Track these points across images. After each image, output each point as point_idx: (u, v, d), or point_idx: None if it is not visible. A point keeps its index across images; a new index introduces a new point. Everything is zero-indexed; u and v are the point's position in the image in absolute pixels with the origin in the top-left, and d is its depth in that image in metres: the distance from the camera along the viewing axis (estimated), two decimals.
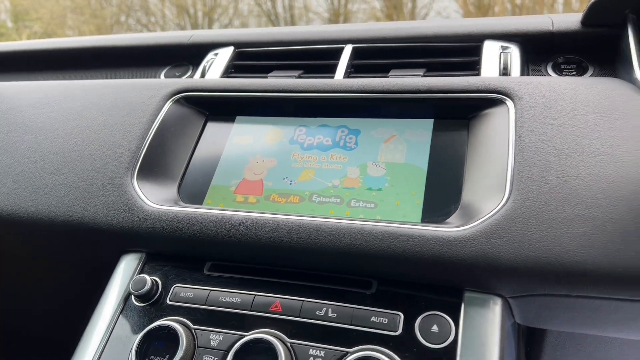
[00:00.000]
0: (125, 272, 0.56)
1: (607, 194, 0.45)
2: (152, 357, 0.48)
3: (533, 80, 0.55)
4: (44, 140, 0.64)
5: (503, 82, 0.55)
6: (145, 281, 0.52)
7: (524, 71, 0.65)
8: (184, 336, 0.48)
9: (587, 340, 0.58)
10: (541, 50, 0.66)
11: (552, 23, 0.65)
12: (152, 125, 0.62)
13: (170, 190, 0.60)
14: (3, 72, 0.91)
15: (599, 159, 0.47)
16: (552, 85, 0.54)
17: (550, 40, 0.65)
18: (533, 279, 0.45)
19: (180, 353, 0.47)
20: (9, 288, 0.74)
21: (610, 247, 0.43)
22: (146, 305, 0.53)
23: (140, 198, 0.57)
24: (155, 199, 0.57)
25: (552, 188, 0.47)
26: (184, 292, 0.53)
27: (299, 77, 0.69)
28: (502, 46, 0.64)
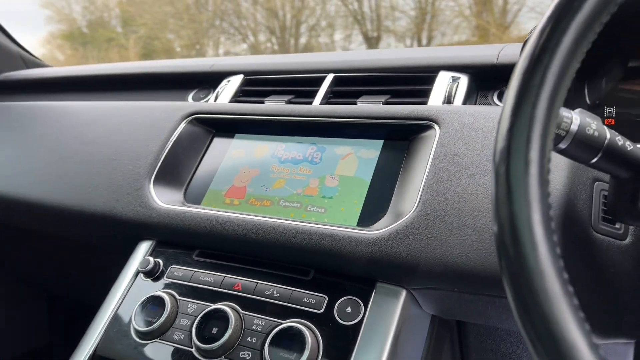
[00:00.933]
0: (139, 255, 0.74)
1: (489, 208, 0.55)
2: (146, 317, 0.65)
3: (460, 109, 0.66)
4: (92, 151, 0.85)
5: (435, 111, 0.66)
6: (149, 262, 0.70)
7: (471, 100, 0.74)
8: (169, 304, 0.65)
9: (504, 332, 0.67)
10: (489, 80, 0.75)
11: (498, 56, 0.74)
12: (168, 141, 0.80)
13: (178, 193, 0.77)
14: (71, 91, 1.14)
15: (489, 179, 0.57)
16: (474, 114, 0.64)
17: (495, 71, 0.74)
18: (424, 275, 0.56)
19: (165, 316, 0.64)
20: (58, 262, 0.96)
21: (482, 252, 0.53)
22: (150, 280, 0.71)
23: (153, 199, 0.75)
24: (164, 200, 0.75)
25: (449, 202, 0.58)
26: (177, 271, 0.70)
27: (289, 101, 0.83)
28: (452, 76, 0.75)
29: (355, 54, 0.91)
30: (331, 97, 0.82)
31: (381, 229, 0.60)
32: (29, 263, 1.24)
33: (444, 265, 0.55)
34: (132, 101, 0.93)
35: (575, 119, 0.43)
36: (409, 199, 0.61)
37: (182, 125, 0.82)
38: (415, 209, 0.59)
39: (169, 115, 0.83)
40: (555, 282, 0.30)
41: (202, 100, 0.93)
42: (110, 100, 1.01)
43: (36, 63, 1.36)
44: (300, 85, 0.85)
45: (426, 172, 0.61)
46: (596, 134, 0.43)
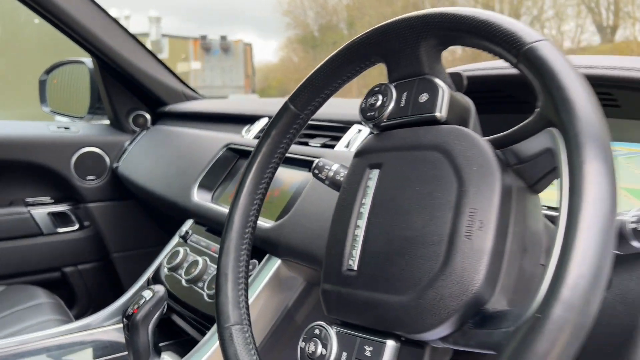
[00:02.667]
0: (184, 227, 1.31)
1: (321, 218, 0.95)
2: (171, 260, 1.21)
3: (336, 152, 1.04)
4: (180, 163, 1.45)
5: (320, 152, 1.06)
6: (182, 231, 1.26)
7: None
8: (182, 255, 1.20)
9: None
10: None
11: None
12: (210, 161, 1.34)
13: (208, 194, 1.31)
14: (201, 120, 1.77)
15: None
16: (339, 155, 1.02)
17: None
18: (281, 251, 0.99)
19: (177, 260, 1.19)
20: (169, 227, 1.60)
21: (308, 242, 0.94)
22: (182, 241, 1.27)
23: (194, 197, 1.30)
24: (200, 198, 1.30)
25: (302, 213, 0.98)
26: (193, 238, 1.25)
27: None
28: (359, 129, 1.11)
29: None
30: (302, 136, 1.26)
31: (272, 223, 1.04)
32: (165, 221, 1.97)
33: (289, 246, 0.97)
34: (207, 131, 1.52)
35: (333, 168, 0.83)
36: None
37: (221, 151, 1.35)
38: (288, 214, 1.01)
39: (216, 144, 1.38)
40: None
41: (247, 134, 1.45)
42: (211, 130, 1.61)
43: (193, 96, 2.06)
44: None
45: (303, 192, 1.03)
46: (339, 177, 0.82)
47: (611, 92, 0.70)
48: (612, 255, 0.38)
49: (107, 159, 1.96)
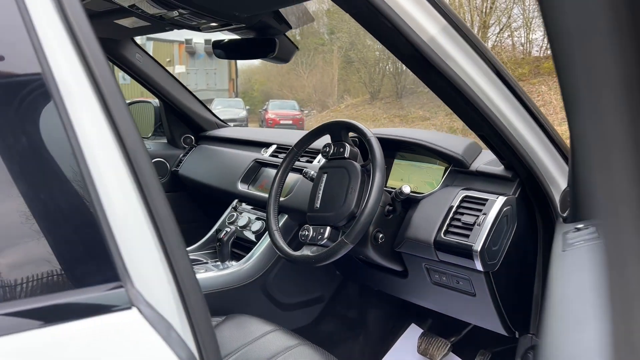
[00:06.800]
0: (234, 203, 2.54)
1: (304, 194, 2.18)
2: (230, 218, 2.45)
3: (313, 164, 2.28)
4: (225, 169, 2.69)
5: (305, 165, 2.30)
6: (234, 204, 2.50)
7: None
8: (235, 215, 2.44)
9: None
10: None
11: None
12: (246, 168, 2.58)
13: (246, 185, 2.55)
14: (234, 143, 2.99)
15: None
16: (314, 166, 2.26)
17: None
18: (285, 211, 2.23)
19: (234, 217, 2.43)
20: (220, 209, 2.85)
21: (292, 204, 2.17)
22: (232, 210, 2.50)
23: (239, 186, 2.54)
24: (242, 187, 2.53)
25: (297, 193, 2.22)
26: (240, 208, 2.48)
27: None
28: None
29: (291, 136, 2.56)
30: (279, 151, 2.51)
31: (283, 199, 2.28)
32: (205, 205, 3.19)
33: (288, 208, 2.21)
34: (237, 150, 2.76)
35: (310, 172, 2.09)
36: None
37: (251, 163, 2.59)
38: (291, 194, 2.25)
39: (247, 158, 2.62)
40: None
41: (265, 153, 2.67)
42: (238, 149, 2.83)
43: (222, 125, 3.29)
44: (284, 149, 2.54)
45: (297, 184, 2.27)
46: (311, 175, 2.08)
47: (412, 147, 1.97)
48: (380, 200, 1.65)
49: (168, 165, 3.17)
